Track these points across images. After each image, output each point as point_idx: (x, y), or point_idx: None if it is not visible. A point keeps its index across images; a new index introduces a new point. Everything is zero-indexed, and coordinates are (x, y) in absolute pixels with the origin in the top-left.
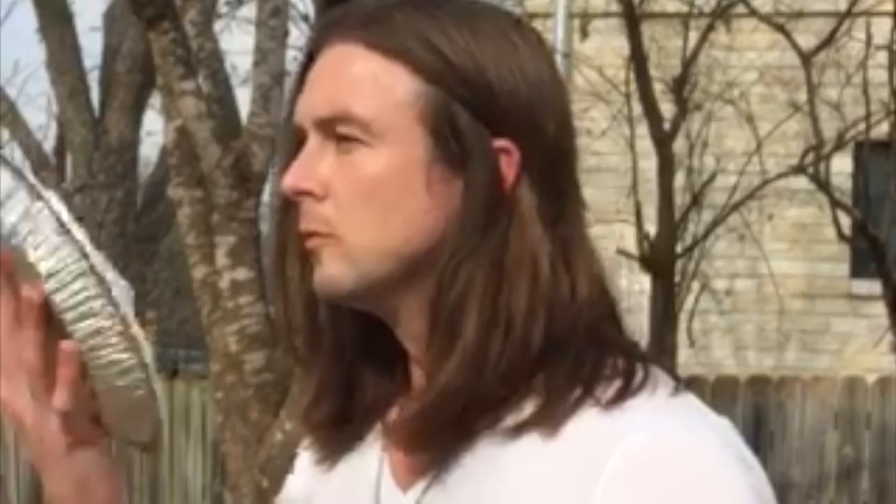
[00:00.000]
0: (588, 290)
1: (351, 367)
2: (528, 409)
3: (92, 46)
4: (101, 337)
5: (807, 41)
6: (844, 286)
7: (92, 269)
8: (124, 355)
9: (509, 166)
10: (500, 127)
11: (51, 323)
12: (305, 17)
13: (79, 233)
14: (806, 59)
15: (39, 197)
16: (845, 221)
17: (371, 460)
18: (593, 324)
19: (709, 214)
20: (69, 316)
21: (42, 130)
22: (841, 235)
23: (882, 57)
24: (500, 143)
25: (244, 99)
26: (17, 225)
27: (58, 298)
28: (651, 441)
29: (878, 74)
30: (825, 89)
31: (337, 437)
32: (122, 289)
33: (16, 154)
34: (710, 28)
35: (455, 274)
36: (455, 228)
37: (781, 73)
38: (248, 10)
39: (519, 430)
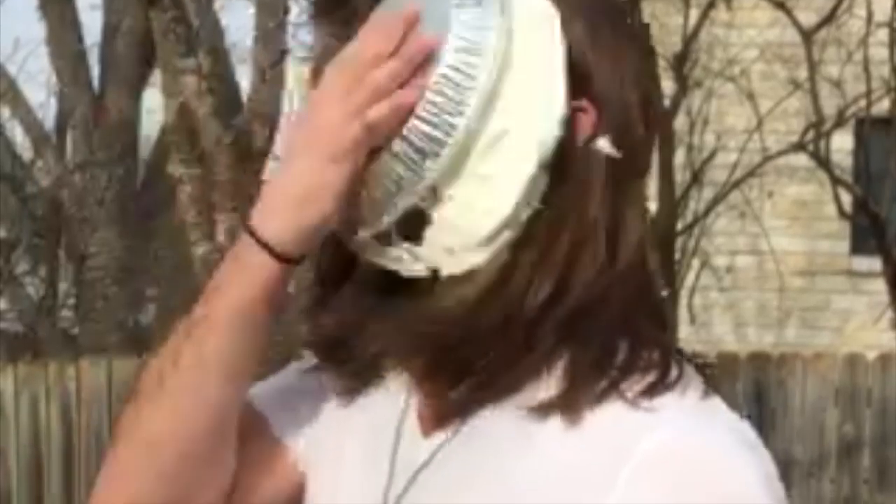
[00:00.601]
0: (626, 268)
1: (367, 290)
2: (553, 389)
3: (92, 24)
4: (450, 101)
5: (807, 18)
6: (845, 263)
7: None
8: (451, 138)
9: (585, 126)
10: (580, 88)
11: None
12: None
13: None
14: (806, 36)
15: None
16: (846, 198)
17: (397, 400)
18: (629, 312)
19: (709, 191)
20: (445, 72)
21: (42, 108)
22: (841, 212)
23: (883, 34)
24: (577, 102)
25: (245, 76)
26: None
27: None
28: (676, 440)
29: (879, 51)
30: (826, 66)
31: (360, 372)
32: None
33: (17, 131)
34: (711, 5)
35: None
36: None
37: (782, 50)
38: None
39: (543, 408)
